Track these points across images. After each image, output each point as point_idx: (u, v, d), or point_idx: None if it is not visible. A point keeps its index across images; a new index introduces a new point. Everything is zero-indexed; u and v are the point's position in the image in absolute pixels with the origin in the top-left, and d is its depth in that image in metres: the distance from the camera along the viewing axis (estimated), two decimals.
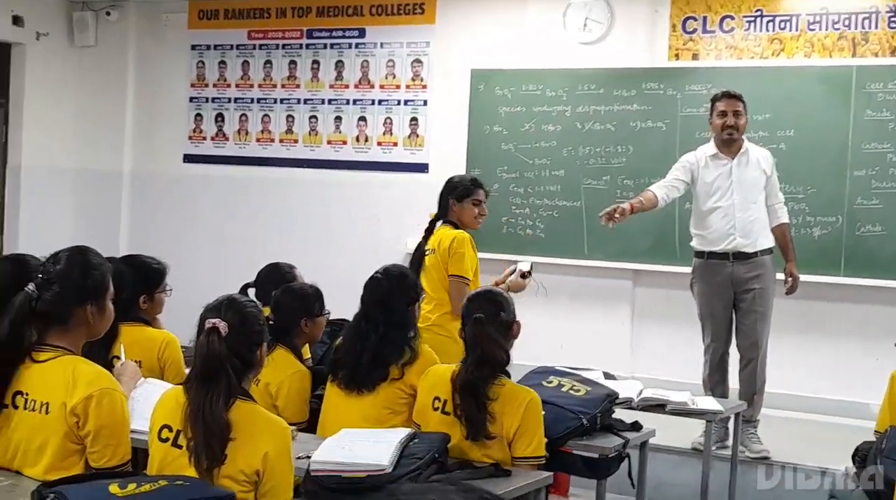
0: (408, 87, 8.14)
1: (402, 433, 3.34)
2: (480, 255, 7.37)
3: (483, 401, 3.39)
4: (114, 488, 2.41)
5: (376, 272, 4.04)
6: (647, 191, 5.67)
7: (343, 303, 5.04)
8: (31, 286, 2.87)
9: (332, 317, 5.08)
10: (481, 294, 3.68)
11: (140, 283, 4.10)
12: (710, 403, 4.63)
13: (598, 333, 7.33)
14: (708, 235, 5.60)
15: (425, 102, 8.07)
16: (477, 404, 3.39)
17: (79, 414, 2.77)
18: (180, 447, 2.73)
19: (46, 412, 2.82)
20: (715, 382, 5.59)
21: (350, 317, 4.91)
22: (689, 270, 5.83)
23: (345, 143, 8.37)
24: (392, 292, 3.93)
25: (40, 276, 2.89)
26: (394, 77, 8.18)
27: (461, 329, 3.61)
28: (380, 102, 8.25)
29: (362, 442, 3.20)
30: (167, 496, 2.41)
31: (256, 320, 2.85)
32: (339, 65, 8.39)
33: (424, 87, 8.08)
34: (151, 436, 2.81)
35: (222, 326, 2.73)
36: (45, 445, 2.81)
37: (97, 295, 2.94)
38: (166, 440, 2.76)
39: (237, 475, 2.66)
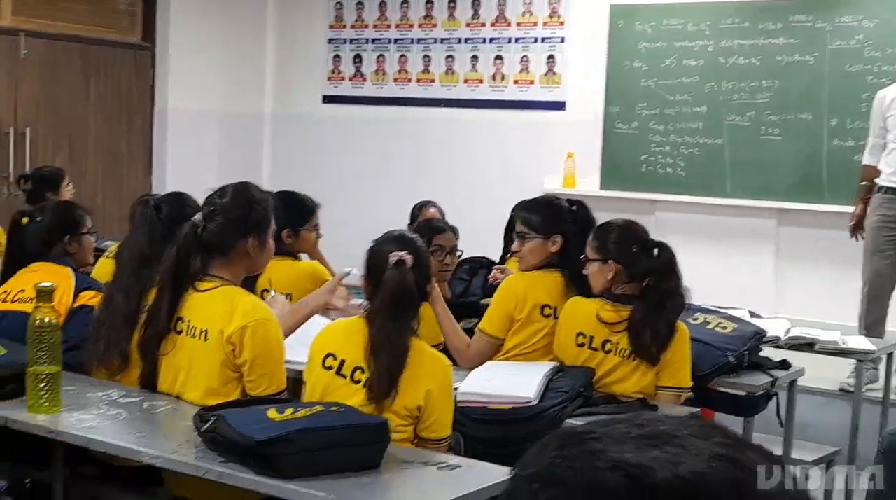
0: (545, 24, 8.04)
1: (547, 366, 3.35)
2: (620, 193, 7.33)
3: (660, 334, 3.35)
4: (272, 412, 2.49)
5: None
6: (864, 168, 5.56)
7: (481, 241, 5.07)
8: (198, 217, 2.95)
9: (470, 255, 5.12)
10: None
11: (288, 218, 4.18)
12: (861, 342, 4.50)
13: (740, 273, 7.17)
14: (887, 169, 5.45)
15: (563, 40, 7.96)
16: (654, 337, 3.35)
17: (234, 343, 2.86)
18: (344, 376, 2.79)
19: (205, 339, 2.92)
20: (871, 321, 5.43)
21: (489, 255, 4.93)
22: (837, 208, 5.66)
23: (481, 82, 8.34)
24: None
25: (207, 207, 2.97)
26: (531, 14, 8.08)
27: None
28: (516, 40, 8.17)
29: (507, 374, 3.23)
30: (322, 420, 2.47)
31: (427, 254, 2.91)
32: (476, 3, 8.33)
33: (562, 24, 7.96)
34: (313, 364, 2.88)
35: (409, 258, 2.78)
36: (204, 371, 2.92)
37: (259, 229, 3.02)
38: (330, 368, 2.83)
39: (400, 410, 2.72)
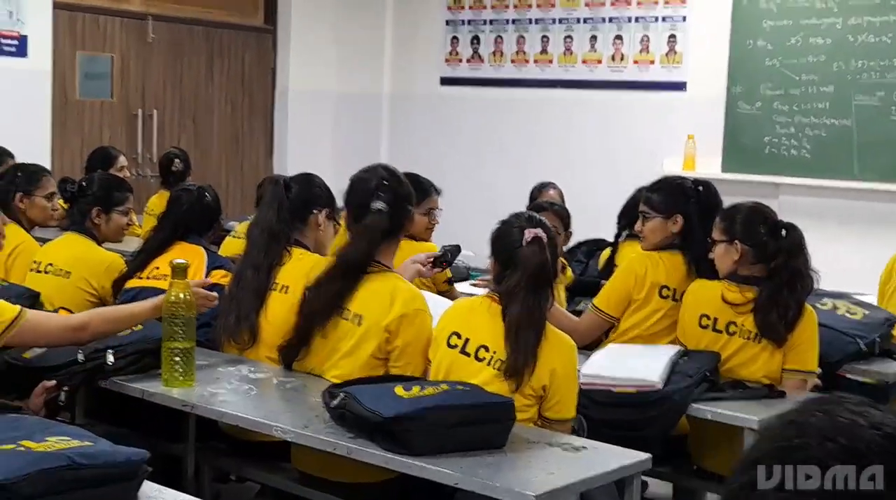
0: (666, 2, 7.91)
1: (672, 349, 3.31)
2: (742, 176, 7.18)
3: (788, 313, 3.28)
4: (399, 390, 2.52)
5: None
6: None
7: (601, 223, 5.03)
8: (380, 204, 2.99)
9: (589, 237, 5.08)
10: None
11: None
12: None
13: (869, 258, 6.95)
14: None
15: (684, 18, 7.83)
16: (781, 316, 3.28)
17: (391, 330, 2.91)
18: (468, 354, 2.81)
19: (359, 324, 2.96)
20: None
21: (607, 237, 4.89)
22: None
23: (600, 62, 8.25)
24: None
25: (381, 193, 3.01)
26: None
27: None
28: (636, 19, 8.06)
29: (632, 358, 3.20)
30: (449, 399, 2.49)
31: (553, 233, 2.91)
32: None
33: (683, 2, 7.82)
34: (438, 342, 2.90)
35: (543, 236, 2.79)
36: (354, 353, 2.95)
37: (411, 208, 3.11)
38: (454, 346, 2.85)
39: (525, 389, 2.73)
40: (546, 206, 4.38)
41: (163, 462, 3.32)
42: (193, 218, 3.79)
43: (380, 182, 3.05)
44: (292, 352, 3.08)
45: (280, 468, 3.08)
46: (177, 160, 6.32)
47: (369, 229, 3.00)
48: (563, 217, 4.34)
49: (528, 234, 2.79)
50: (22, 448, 1.92)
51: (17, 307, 2.80)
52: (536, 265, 2.76)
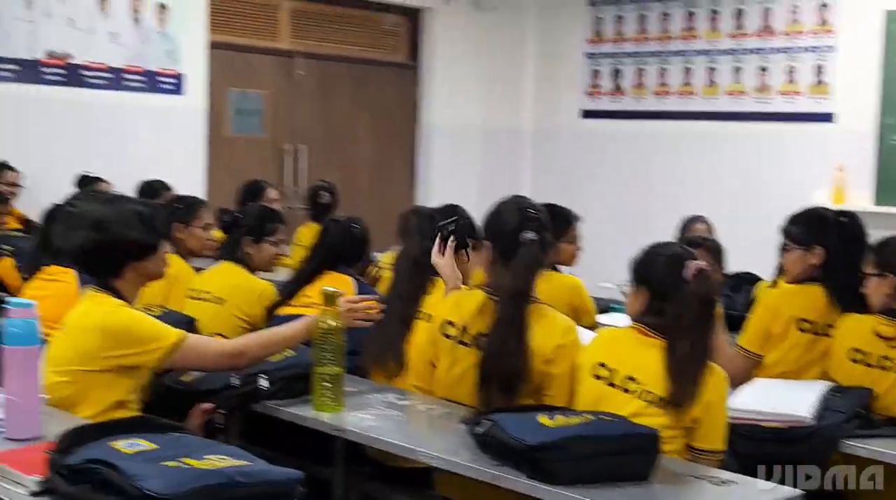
0: (813, 32, 7.76)
1: (822, 385, 3.23)
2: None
3: None
4: (543, 418, 2.53)
5: None
6: None
7: (746, 257, 4.94)
8: (531, 234, 3.01)
9: (737, 270, 5.00)
10: None
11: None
12: None
13: None
14: None
15: (832, 48, 7.66)
16: None
17: (550, 359, 2.92)
18: (615, 386, 2.81)
19: None
20: None
21: (755, 271, 4.81)
22: None
23: (744, 93, 8.14)
24: None
25: (530, 223, 3.03)
26: (798, 23, 7.83)
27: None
28: (782, 49, 7.93)
29: (781, 392, 3.14)
30: (594, 429, 2.49)
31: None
32: (740, 13, 8.15)
33: (831, 31, 7.66)
34: (583, 374, 2.90)
35: (707, 267, 2.79)
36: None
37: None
38: (601, 378, 2.85)
39: (675, 421, 2.72)
40: (699, 241, 4.34)
41: (312, 487, 3.41)
42: (343, 248, 3.90)
43: (526, 213, 3.06)
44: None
45: (425, 495, 3.12)
46: (324, 193, 6.50)
47: (529, 260, 2.99)
48: (716, 253, 4.29)
49: (692, 267, 2.77)
50: (185, 465, 2.01)
51: (180, 331, 2.92)
52: (703, 298, 2.75)
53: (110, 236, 2.93)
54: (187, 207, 4.58)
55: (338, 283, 3.61)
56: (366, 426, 2.88)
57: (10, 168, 6.57)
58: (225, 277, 4.13)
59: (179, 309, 3.96)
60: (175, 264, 4.22)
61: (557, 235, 4.37)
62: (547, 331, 2.95)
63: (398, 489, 3.24)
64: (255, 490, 2.00)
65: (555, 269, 4.43)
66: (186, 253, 4.54)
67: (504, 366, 2.92)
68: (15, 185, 6.52)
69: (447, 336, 3.11)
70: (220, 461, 2.06)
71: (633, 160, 8.74)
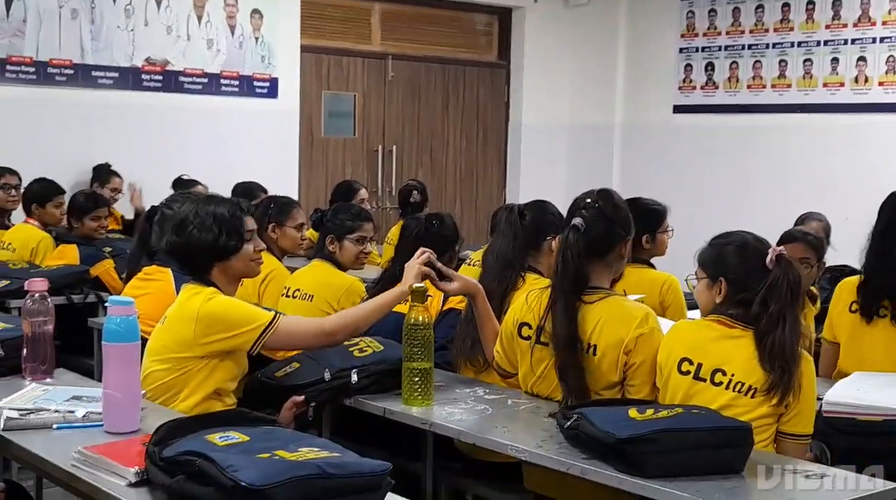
0: None
1: None
2: None
3: None
4: (633, 412, 2.52)
5: None
6: None
7: (849, 250, 4.83)
8: (578, 220, 3.00)
9: (834, 263, 4.89)
10: None
11: (641, 224, 4.18)
12: None
13: None
14: None
15: None
16: None
17: (630, 349, 2.91)
18: (703, 379, 2.78)
19: (594, 353, 2.94)
20: None
21: (853, 264, 4.70)
22: None
23: (842, 85, 7.96)
24: None
25: (583, 211, 3.03)
26: None
27: None
28: (882, 39, 7.74)
29: (878, 385, 3.07)
30: (684, 421, 2.47)
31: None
32: (837, 3, 7.98)
33: None
34: (667, 370, 2.87)
35: (785, 252, 2.78)
36: (592, 382, 2.95)
37: (628, 232, 3.07)
38: (687, 372, 2.82)
39: (766, 406, 2.69)
40: (798, 236, 4.27)
41: (402, 481, 3.45)
42: (423, 245, 3.90)
43: (583, 201, 3.04)
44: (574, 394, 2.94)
45: (514, 489, 3.13)
46: (415, 192, 6.57)
47: (566, 248, 2.97)
48: (817, 248, 4.21)
49: (772, 253, 2.75)
50: (277, 457, 2.05)
51: (273, 312, 3.00)
52: (789, 284, 2.72)
53: (186, 239, 3.03)
54: (281, 208, 4.66)
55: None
56: (454, 420, 2.89)
57: (116, 174, 6.77)
58: (314, 274, 4.21)
59: (274, 308, 4.03)
60: (269, 263, 4.30)
61: (651, 228, 4.34)
62: (623, 322, 2.93)
63: (487, 483, 3.25)
64: (345, 482, 2.03)
65: (649, 264, 4.39)
66: (280, 252, 4.62)
67: (562, 359, 2.93)
68: (118, 191, 6.73)
69: (523, 338, 3.10)
70: (311, 452, 2.09)
71: (726, 155, 8.61)
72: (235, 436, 2.19)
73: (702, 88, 8.83)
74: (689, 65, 8.91)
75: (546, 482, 2.92)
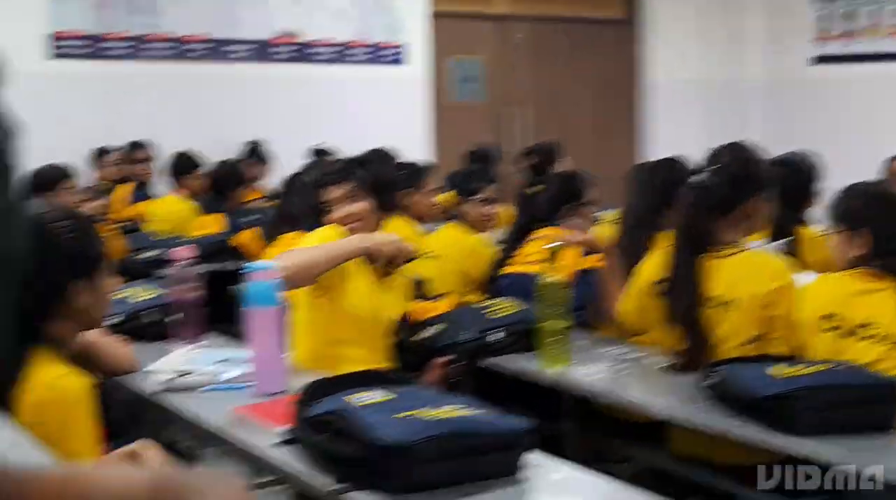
0: None
1: None
2: None
3: None
4: (777, 368, 2.46)
5: None
6: None
7: None
8: (699, 177, 2.96)
9: None
10: None
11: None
12: None
13: None
14: None
15: None
16: None
17: (769, 302, 2.85)
18: (851, 334, 2.71)
19: (726, 309, 2.89)
20: None
21: None
22: None
23: None
24: None
25: (706, 169, 2.97)
26: None
27: None
28: None
29: None
30: (830, 377, 2.41)
31: None
32: None
33: None
34: (810, 328, 2.80)
35: None
36: (727, 339, 2.90)
37: (758, 188, 2.99)
38: (832, 328, 2.75)
39: None
40: None
41: (545, 442, 3.46)
42: (549, 203, 3.89)
43: (709, 158, 2.97)
44: (695, 351, 2.89)
45: (658, 450, 3.10)
46: (525, 155, 6.54)
47: (684, 206, 2.93)
48: None
49: None
50: (417, 415, 2.08)
51: None
52: None
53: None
54: (412, 174, 4.70)
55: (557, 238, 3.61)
56: (592, 380, 2.88)
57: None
58: (443, 235, 4.31)
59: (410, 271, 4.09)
60: (402, 228, 4.34)
61: (803, 186, 4.21)
62: (761, 275, 2.86)
63: (630, 443, 3.23)
64: (485, 440, 2.04)
65: (802, 222, 4.26)
66: (415, 218, 4.66)
67: (677, 313, 2.88)
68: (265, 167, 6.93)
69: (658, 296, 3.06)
70: (451, 411, 2.11)
71: (867, 105, 8.30)
72: (378, 395, 2.22)
73: (840, 37, 8.51)
74: (826, 14, 8.61)
75: (690, 442, 2.88)
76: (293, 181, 4.18)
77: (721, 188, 2.93)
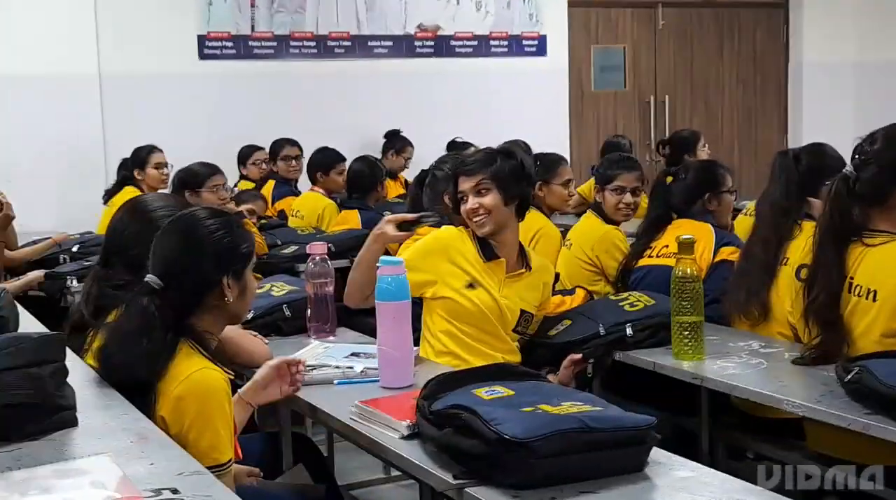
0: None
1: None
2: None
3: None
4: None
5: None
6: None
7: None
8: (848, 168, 2.84)
9: None
10: None
11: None
12: None
13: None
14: None
15: None
16: None
17: None
18: None
19: (873, 299, 2.77)
20: None
21: None
22: None
23: None
24: None
25: (857, 156, 2.86)
26: None
27: None
28: None
29: None
30: None
31: None
32: None
33: None
34: None
35: None
36: (868, 331, 2.78)
37: None
38: None
39: None
40: None
41: (679, 437, 3.40)
42: (679, 195, 3.79)
43: (860, 146, 2.83)
44: (831, 344, 2.79)
45: (794, 446, 3.00)
46: (661, 145, 6.42)
47: (834, 194, 2.79)
48: None
49: None
50: (540, 411, 2.07)
51: None
52: None
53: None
54: (548, 165, 4.67)
55: (697, 230, 3.53)
56: (727, 374, 2.81)
57: (409, 142, 7.06)
58: (579, 224, 4.28)
59: None
60: (537, 221, 4.33)
61: None
62: None
63: (767, 440, 3.14)
64: (608, 436, 2.01)
65: None
66: (549, 210, 4.64)
67: (816, 304, 2.77)
68: (409, 159, 7.02)
69: (801, 280, 2.95)
70: (574, 406, 2.10)
71: None
72: (501, 390, 2.22)
73: None
74: None
75: (829, 440, 2.77)
76: (426, 175, 4.21)
77: (874, 176, 2.80)
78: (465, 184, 3.19)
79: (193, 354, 2.34)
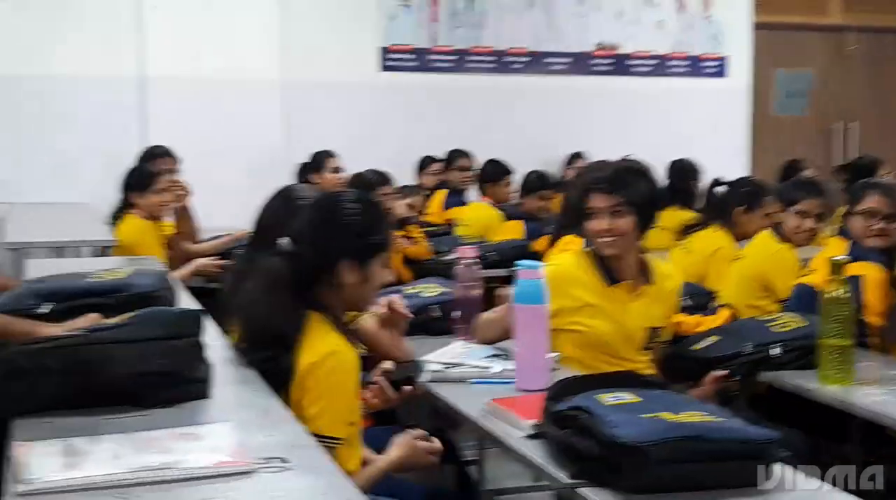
0: None
1: None
2: None
3: None
4: None
5: None
6: None
7: None
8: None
9: None
10: None
11: None
12: None
13: None
14: None
15: None
16: None
17: None
18: None
19: None
20: None
21: None
22: None
23: None
24: None
25: None
26: None
27: None
28: None
29: None
30: None
31: None
32: None
33: None
34: None
35: None
36: None
37: None
38: None
39: None
40: None
41: (829, 462, 3.29)
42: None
43: None
44: None
45: None
46: (839, 170, 6.22)
47: None
48: None
49: None
50: (659, 417, 2.06)
51: None
52: None
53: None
54: (748, 194, 4.66)
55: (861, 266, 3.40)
56: (875, 401, 2.72)
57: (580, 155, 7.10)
58: (754, 241, 4.27)
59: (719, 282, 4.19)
60: (717, 240, 4.36)
61: None
62: None
63: None
64: (726, 446, 1.98)
65: None
66: (739, 236, 4.61)
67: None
68: None
69: None
70: (695, 416, 2.08)
71: None
72: (627, 396, 2.21)
73: None
74: None
75: None
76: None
77: None
78: (600, 201, 3.00)
79: (327, 327, 2.40)
